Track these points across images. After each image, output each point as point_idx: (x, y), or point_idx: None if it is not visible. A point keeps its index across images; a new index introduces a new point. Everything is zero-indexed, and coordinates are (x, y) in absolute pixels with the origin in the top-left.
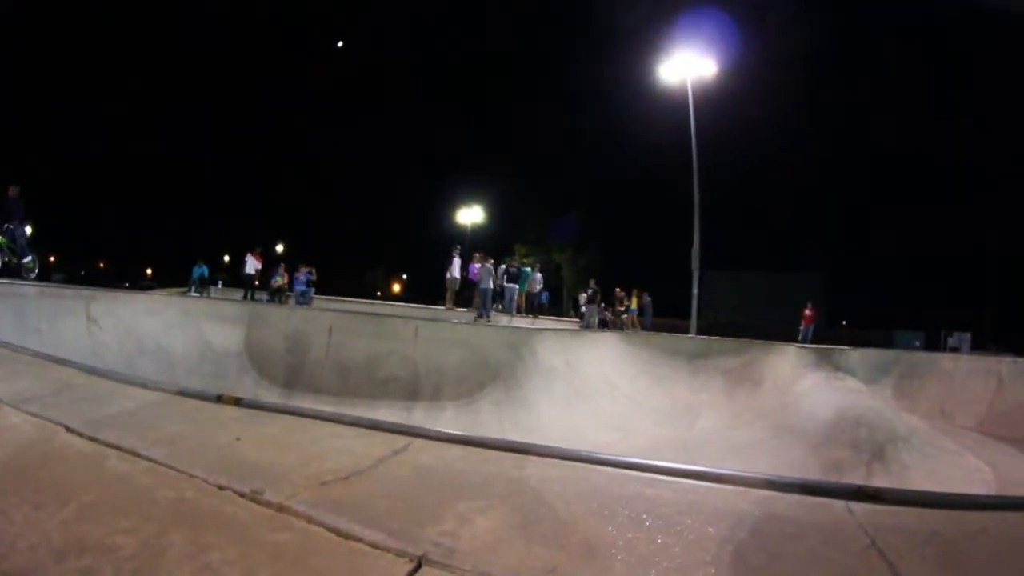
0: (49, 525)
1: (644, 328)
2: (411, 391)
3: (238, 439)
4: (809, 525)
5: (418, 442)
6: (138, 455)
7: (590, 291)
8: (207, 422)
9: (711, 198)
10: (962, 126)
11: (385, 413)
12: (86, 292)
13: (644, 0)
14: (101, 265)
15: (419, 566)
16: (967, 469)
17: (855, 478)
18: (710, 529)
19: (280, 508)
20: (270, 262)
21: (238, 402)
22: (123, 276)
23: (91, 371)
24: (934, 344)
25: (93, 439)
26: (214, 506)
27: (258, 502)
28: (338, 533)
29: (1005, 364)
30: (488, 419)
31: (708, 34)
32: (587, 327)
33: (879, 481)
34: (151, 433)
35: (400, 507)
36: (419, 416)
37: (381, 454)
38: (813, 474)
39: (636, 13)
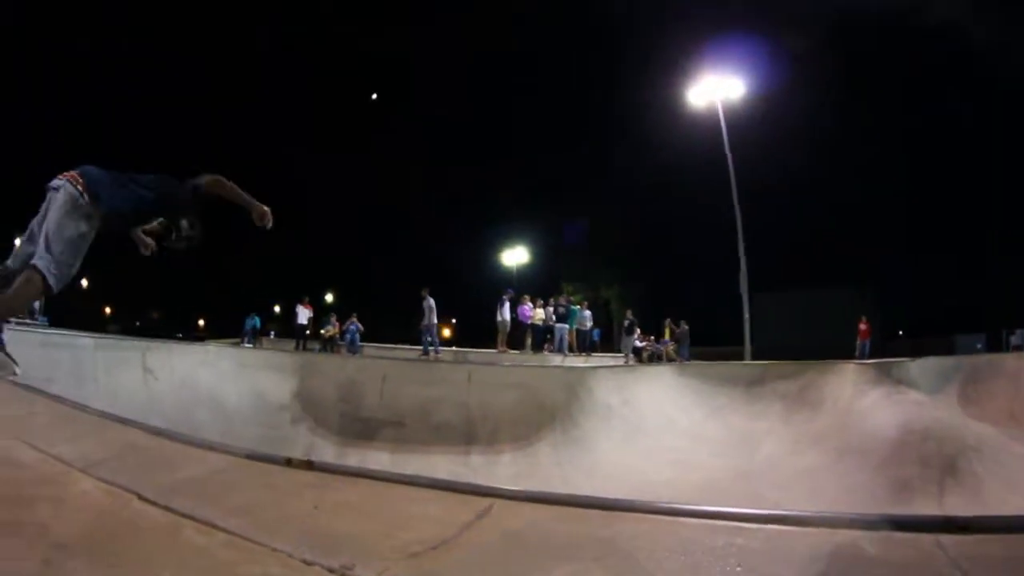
0: None
1: (682, 359)
2: (467, 436)
3: (315, 507)
4: (900, 565)
5: (500, 503)
6: (214, 526)
7: (626, 323)
8: (281, 488)
9: (753, 220)
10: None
11: (441, 460)
12: (142, 343)
13: (673, 28)
14: (155, 316)
15: None
16: None
17: (927, 496)
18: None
19: None
20: (320, 311)
21: (310, 465)
22: (176, 327)
23: (155, 432)
24: (996, 344)
25: (167, 508)
26: None
27: None
28: None
29: None
30: (546, 461)
31: (737, 56)
32: (627, 360)
33: (953, 497)
34: (225, 501)
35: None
36: (476, 461)
37: (465, 519)
38: (881, 496)
39: (665, 43)
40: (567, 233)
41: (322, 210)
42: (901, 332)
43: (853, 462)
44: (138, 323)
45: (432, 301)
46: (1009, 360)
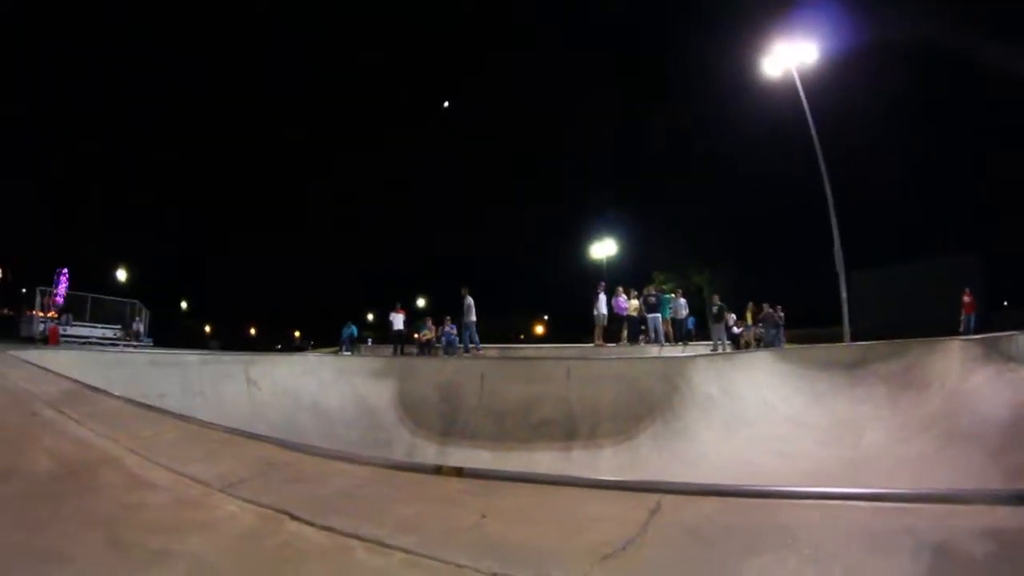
0: None
1: (766, 343)
2: (568, 432)
3: (483, 516)
4: None
5: (668, 498)
6: (385, 544)
7: (715, 308)
8: (438, 499)
9: (844, 192)
10: None
11: (543, 456)
12: (244, 357)
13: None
14: (252, 331)
15: None
16: None
17: None
18: (982, 551)
19: None
20: (413, 316)
21: (460, 472)
22: (274, 340)
23: (291, 447)
24: None
25: (327, 528)
26: None
27: None
28: None
29: None
30: (648, 454)
31: (808, 21)
32: (716, 347)
33: None
34: (385, 516)
35: (697, 572)
36: (577, 456)
37: (640, 517)
38: (996, 483)
39: (743, 20)
40: (653, 222)
41: (415, 216)
42: (1006, 303)
43: (964, 448)
44: (236, 338)
45: (471, 300)
46: None
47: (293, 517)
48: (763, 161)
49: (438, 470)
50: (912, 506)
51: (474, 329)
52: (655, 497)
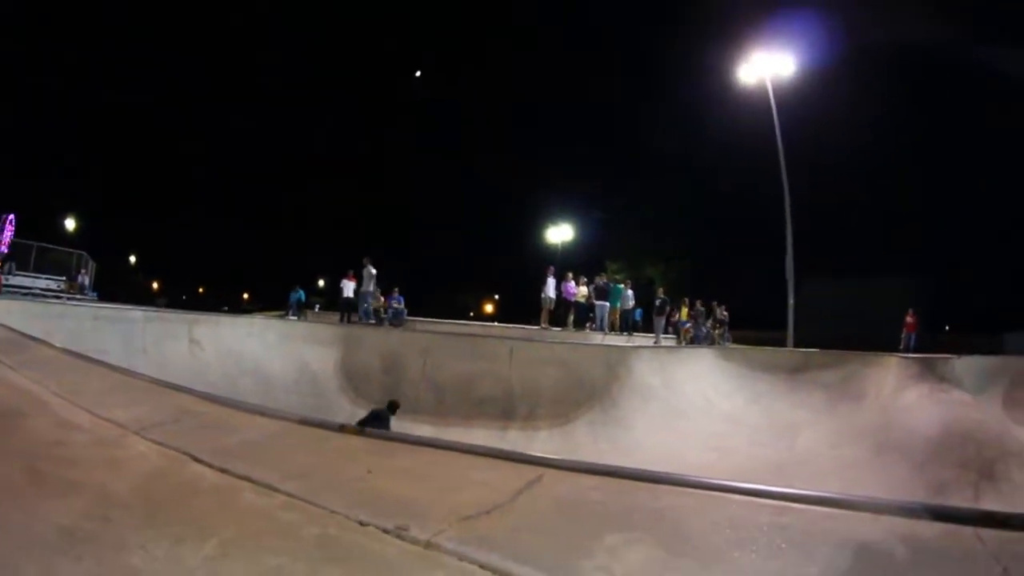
0: (193, 562)
1: (695, 340)
2: (506, 411)
3: (369, 471)
4: (941, 552)
5: (551, 472)
6: (274, 488)
7: (657, 302)
8: (334, 453)
9: (804, 202)
10: None
11: (480, 433)
12: (189, 316)
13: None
14: (201, 291)
15: None
16: None
17: (961, 500)
18: (847, 556)
19: (428, 545)
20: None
21: (361, 432)
22: (223, 301)
23: (209, 399)
24: None
25: (223, 470)
26: (360, 543)
27: (404, 539)
28: (494, 571)
29: None
30: (584, 439)
31: (787, 31)
32: (656, 341)
33: (987, 503)
34: (281, 465)
35: (549, 542)
36: (513, 436)
37: (517, 486)
38: (918, 495)
39: (715, 16)
40: (611, 212)
41: (370, 183)
42: (948, 327)
43: (892, 459)
44: (184, 297)
45: (373, 270)
46: None
47: (196, 459)
48: (730, 163)
49: (341, 428)
50: (794, 506)
51: (370, 300)
52: (539, 470)
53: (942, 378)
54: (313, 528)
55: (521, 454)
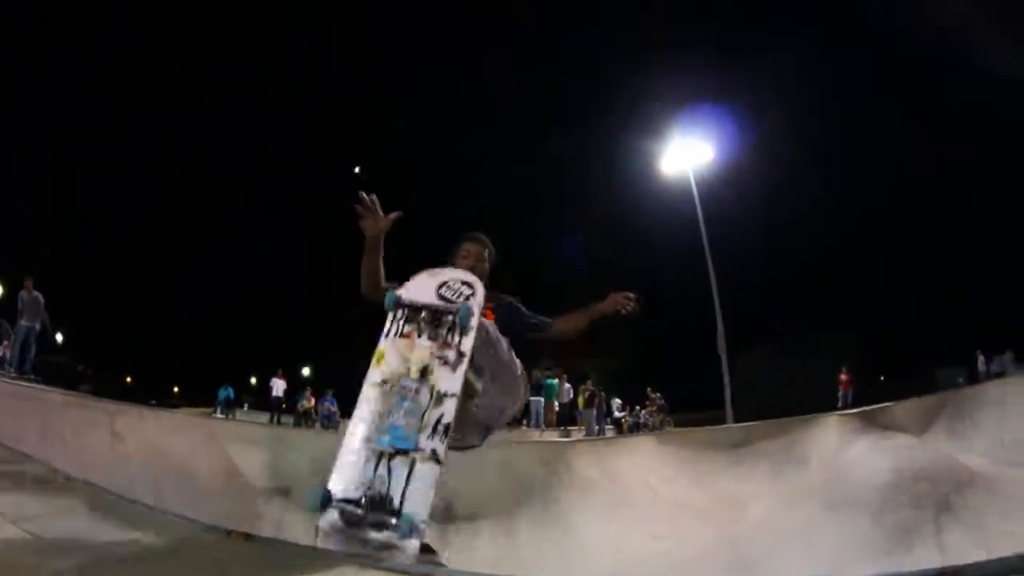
0: None
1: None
2: (447, 514)
3: None
4: None
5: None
6: None
7: (587, 394)
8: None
9: (730, 278)
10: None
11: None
12: (112, 406)
13: (634, 94)
14: (128, 380)
15: None
16: None
17: (925, 537)
18: None
19: None
20: (297, 385)
21: (248, 537)
22: (150, 393)
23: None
24: (976, 374)
25: None
26: None
27: None
28: None
29: None
30: (526, 540)
31: (707, 119)
32: (590, 432)
33: (952, 534)
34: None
35: None
36: (455, 540)
37: None
38: (880, 543)
39: (628, 107)
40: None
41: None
42: (883, 377)
43: (847, 514)
44: (110, 385)
45: (39, 296)
46: (992, 388)
47: None
48: (655, 249)
49: (228, 534)
50: None
51: (31, 340)
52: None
53: (884, 426)
54: None
55: (403, 565)
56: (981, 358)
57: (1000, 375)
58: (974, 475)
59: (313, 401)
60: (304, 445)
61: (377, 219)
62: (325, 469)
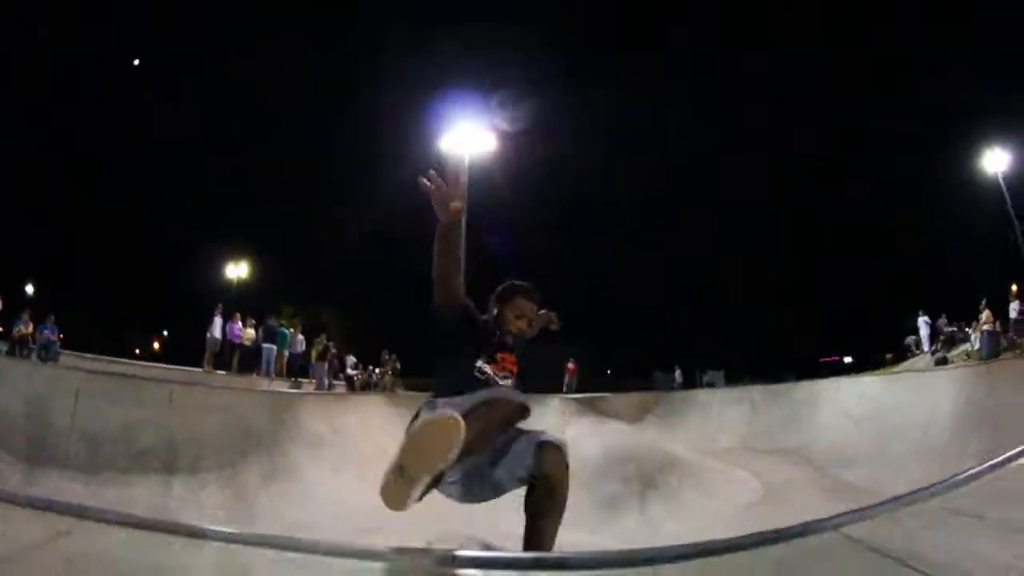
0: None
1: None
2: (168, 464)
3: None
4: None
5: (88, 525)
6: None
7: (319, 348)
8: None
9: (488, 262)
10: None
11: (141, 491)
12: None
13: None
14: None
15: None
16: (735, 481)
17: (631, 509)
18: None
19: None
20: (14, 306)
21: None
22: None
23: None
24: (692, 383)
25: None
26: None
27: None
28: None
29: (756, 392)
30: (256, 492)
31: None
32: (320, 387)
33: (655, 506)
34: None
35: None
36: (179, 492)
37: (37, 539)
38: (593, 511)
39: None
40: (291, 252)
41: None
42: (609, 371)
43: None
44: None
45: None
46: (702, 394)
47: None
48: (417, 219)
49: None
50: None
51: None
52: (70, 521)
53: (601, 412)
54: None
55: (61, 503)
56: (701, 374)
57: (711, 385)
58: (677, 460)
59: (31, 327)
60: (15, 381)
61: (452, 190)
62: (39, 411)
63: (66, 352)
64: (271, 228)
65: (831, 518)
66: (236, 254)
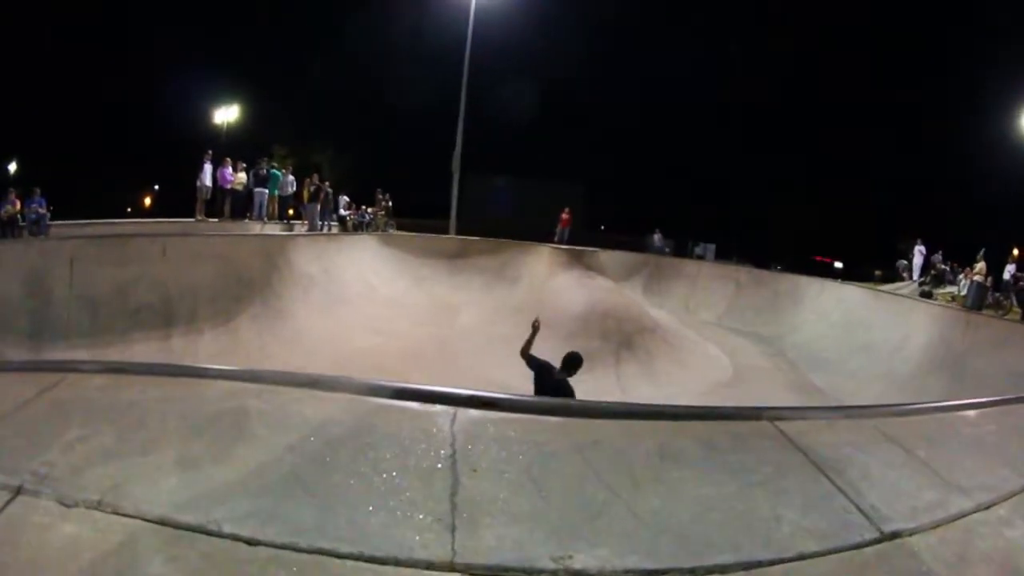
0: None
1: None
2: (166, 318)
3: None
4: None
5: (71, 377)
6: None
7: (312, 188)
8: None
9: (479, 104)
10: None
11: (142, 348)
12: None
13: None
14: None
15: (16, 494)
16: (708, 356)
17: (606, 366)
18: None
19: None
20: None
21: None
22: None
23: None
24: (683, 252)
25: None
26: None
27: None
28: None
29: (743, 272)
30: (248, 336)
31: None
32: (313, 229)
33: (628, 366)
34: None
35: (14, 444)
36: (177, 345)
37: (28, 395)
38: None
39: None
40: (281, 92)
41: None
42: (603, 226)
43: (545, 333)
44: None
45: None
46: (690, 265)
47: None
48: (414, 58)
49: None
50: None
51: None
52: (57, 376)
53: (589, 267)
54: None
55: (48, 362)
56: (693, 245)
57: (701, 258)
58: (658, 325)
59: (19, 205)
60: (10, 260)
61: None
62: (38, 286)
63: (57, 223)
64: (261, 65)
65: (770, 408)
66: (225, 97)
